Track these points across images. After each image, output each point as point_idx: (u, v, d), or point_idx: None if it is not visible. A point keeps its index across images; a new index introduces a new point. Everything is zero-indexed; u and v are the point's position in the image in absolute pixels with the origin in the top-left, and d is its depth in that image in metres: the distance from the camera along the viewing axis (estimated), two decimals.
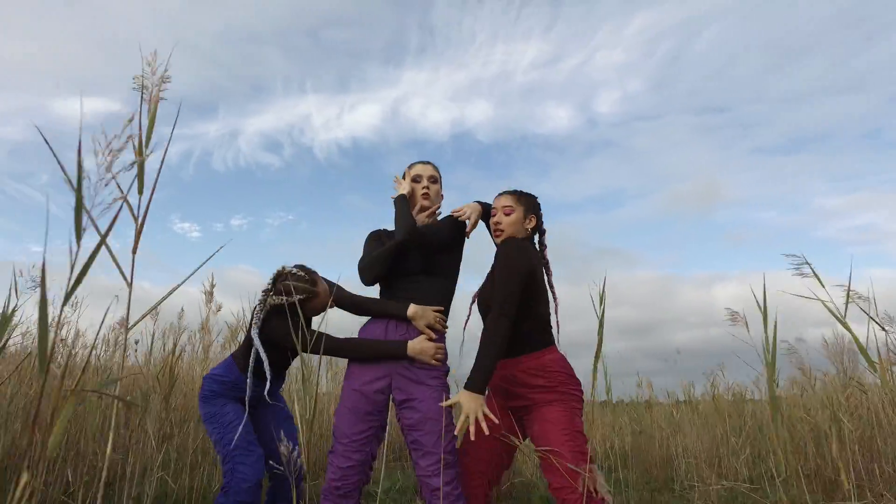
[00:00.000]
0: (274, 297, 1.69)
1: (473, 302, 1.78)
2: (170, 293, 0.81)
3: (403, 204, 1.77)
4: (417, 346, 1.63)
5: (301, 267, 1.81)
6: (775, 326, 1.66)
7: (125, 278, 0.79)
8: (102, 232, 0.72)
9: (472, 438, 1.47)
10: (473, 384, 1.49)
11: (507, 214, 1.74)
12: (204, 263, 0.83)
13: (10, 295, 1.60)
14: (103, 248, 0.72)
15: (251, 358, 1.78)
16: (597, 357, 1.69)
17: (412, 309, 1.68)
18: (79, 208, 0.69)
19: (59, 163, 0.67)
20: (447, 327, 1.74)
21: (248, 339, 1.82)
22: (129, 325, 0.80)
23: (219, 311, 2.77)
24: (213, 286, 2.68)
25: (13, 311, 1.63)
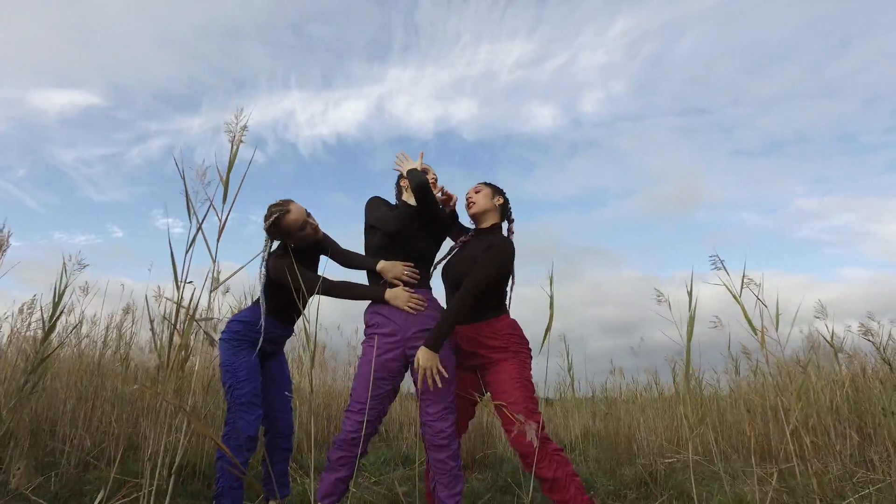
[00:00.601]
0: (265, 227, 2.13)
1: (434, 268, 2.17)
2: (249, 262, 1.18)
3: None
4: (391, 292, 1.99)
5: (281, 199, 2.20)
6: (693, 316, 2.05)
7: (211, 255, 1.15)
8: (198, 221, 1.06)
9: (431, 389, 1.83)
10: (431, 343, 1.85)
11: (477, 192, 2.16)
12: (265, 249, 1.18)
13: (61, 275, 1.91)
14: (199, 236, 1.06)
15: (262, 289, 2.12)
16: (547, 329, 2.03)
17: (382, 263, 2.04)
18: (189, 206, 1.04)
19: (185, 187, 1.01)
20: (418, 279, 2.06)
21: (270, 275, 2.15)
22: (216, 286, 1.15)
23: (226, 293, 3.04)
24: (218, 272, 2.95)
25: (65, 288, 1.95)
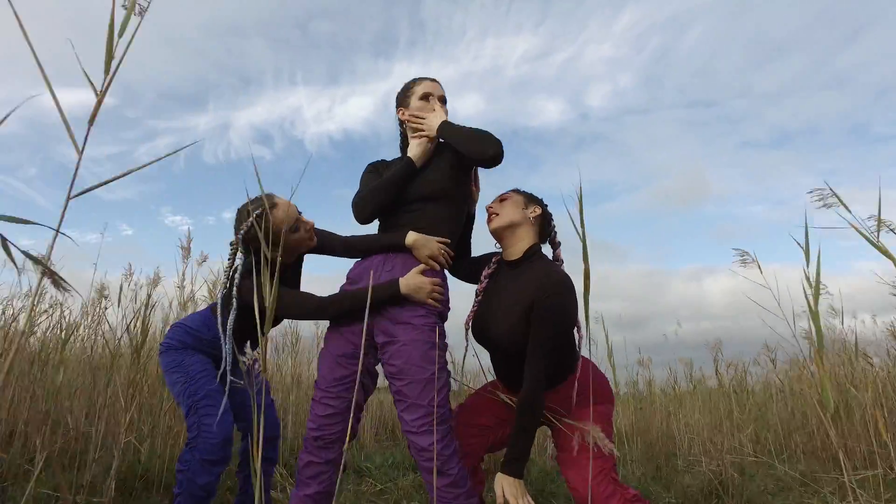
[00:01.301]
0: (239, 233, 1.44)
1: (468, 330, 1.57)
2: (133, 170, 0.71)
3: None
4: (411, 281, 1.42)
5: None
6: (817, 282, 1.52)
7: (73, 141, 0.67)
8: None
9: None
10: (513, 468, 1.33)
11: (503, 200, 1.57)
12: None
13: None
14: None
15: (227, 319, 1.56)
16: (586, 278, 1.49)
17: (412, 236, 1.47)
18: None
19: None
20: (451, 263, 1.54)
21: (229, 299, 1.55)
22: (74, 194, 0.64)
23: (203, 262, 2.53)
24: (190, 241, 2.45)
25: None
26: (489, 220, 1.57)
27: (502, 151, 1.44)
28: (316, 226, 1.59)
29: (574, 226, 1.25)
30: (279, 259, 1.52)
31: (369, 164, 1.67)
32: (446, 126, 1.51)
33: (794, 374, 4.90)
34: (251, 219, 1.42)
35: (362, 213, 1.50)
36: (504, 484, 1.32)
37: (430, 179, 1.52)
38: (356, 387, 1.31)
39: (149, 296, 2.37)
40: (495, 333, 1.45)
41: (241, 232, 1.43)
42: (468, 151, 1.44)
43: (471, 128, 1.47)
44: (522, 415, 1.33)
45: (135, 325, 1.98)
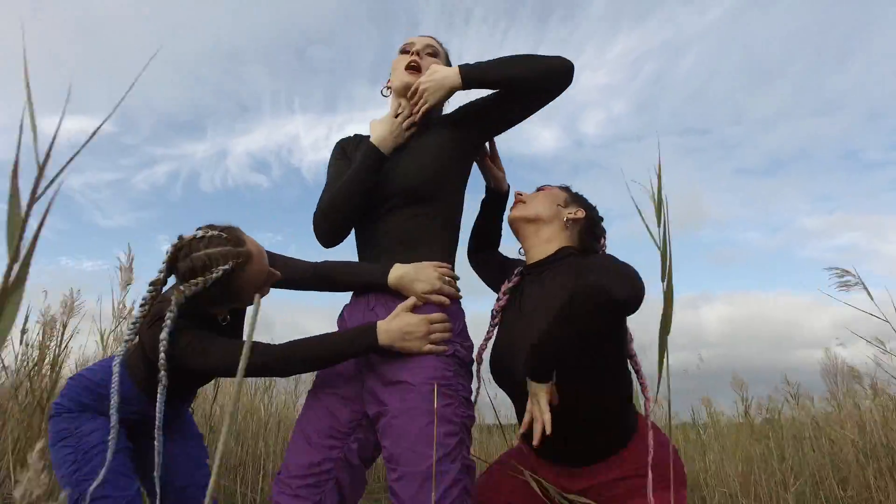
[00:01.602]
0: (184, 286, 0.96)
1: (479, 364, 1.16)
2: None
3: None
4: (394, 325, 0.96)
5: (211, 226, 1.01)
6: None
7: None
8: None
9: (535, 443, 0.94)
10: (537, 370, 0.96)
11: (539, 190, 1.24)
12: None
13: None
14: None
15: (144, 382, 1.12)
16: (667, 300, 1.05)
17: (396, 272, 1.02)
18: None
19: None
20: (459, 292, 1.10)
21: (146, 351, 1.08)
22: None
23: (128, 285, 2.06)
24: (131, 259, 1.96)
25: None
26: (513, 207, 1.22)
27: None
28: (306, 260, 1.16)
29: (646, 228, 0.84)
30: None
31: (337, 144, 1.25)
32: (471, 68, 1.07)
33: (827, 413, 4.45)
34: (215, 275, 0.95)
35: (320, 234, 1.09)
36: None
37: (406, 169, 1.09)
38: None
39: (63, 327, 1.89)
40: (519, 366, 1.01)
41: (194, 287, 0.95)
42: (538, 75, 1.04)
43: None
44: (571, 306, 0.91)
45: (39, 371, 1.53)
